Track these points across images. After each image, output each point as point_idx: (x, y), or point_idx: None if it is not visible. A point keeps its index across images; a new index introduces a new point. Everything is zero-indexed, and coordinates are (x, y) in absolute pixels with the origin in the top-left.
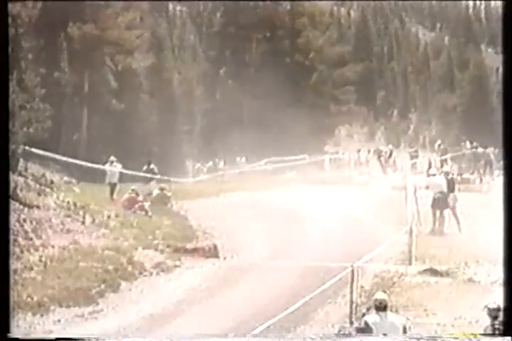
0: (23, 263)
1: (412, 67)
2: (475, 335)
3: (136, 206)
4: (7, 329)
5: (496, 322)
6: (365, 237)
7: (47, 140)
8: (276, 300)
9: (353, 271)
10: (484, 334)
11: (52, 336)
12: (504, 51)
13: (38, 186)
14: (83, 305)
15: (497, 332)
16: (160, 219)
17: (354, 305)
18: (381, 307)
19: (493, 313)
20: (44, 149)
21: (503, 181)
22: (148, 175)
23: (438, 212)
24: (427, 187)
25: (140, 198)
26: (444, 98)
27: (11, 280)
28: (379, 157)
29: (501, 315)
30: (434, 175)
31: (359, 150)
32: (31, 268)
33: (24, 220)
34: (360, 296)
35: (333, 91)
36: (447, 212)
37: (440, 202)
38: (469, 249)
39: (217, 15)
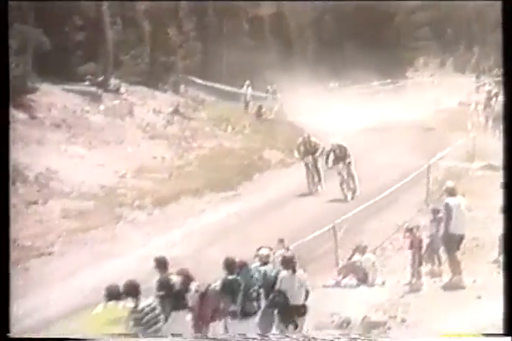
0: (185, 160)
1: (474, 12)
2: (475, 335)
3: (263, 117)
4: (7, 330)
5: None
6: (438, 141)
7: (199, 69)
8: (367, 185)
9: (429, 166)
10: (484, 334)
11: (53, 335)
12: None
13: (194, 104)
14: (227, 191)
15: None
16: (281, 127)
17: (430, 192)
18: (451, 192)
19: None
20: (197, 76)
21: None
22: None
23: None
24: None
25: (266, 112)
26: (499, 35)
27: (174, 175)
28: None
29: None
30: None
31: (432, 75)
32: (190, 164)
33: (184, 129)
34: (434, 185)
35: (413, 31)
36: None
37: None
38: None
39: None
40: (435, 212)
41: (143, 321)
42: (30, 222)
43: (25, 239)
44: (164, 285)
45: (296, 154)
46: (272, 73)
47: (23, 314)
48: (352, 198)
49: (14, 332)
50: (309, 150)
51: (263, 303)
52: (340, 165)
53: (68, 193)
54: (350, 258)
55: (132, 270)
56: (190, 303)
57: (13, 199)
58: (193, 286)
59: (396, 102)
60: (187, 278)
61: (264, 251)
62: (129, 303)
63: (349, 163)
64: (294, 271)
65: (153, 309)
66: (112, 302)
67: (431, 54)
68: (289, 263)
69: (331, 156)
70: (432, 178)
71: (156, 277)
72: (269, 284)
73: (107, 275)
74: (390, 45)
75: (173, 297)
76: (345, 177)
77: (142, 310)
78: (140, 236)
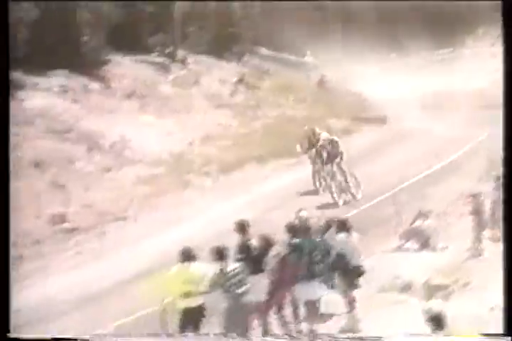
0: (249, 128)
1: None
2: (475, 335)
3: (325, 86)
4: (7, 329)
5: None
6: (498, 111)
7: (263, 39)
8: (428, 154)
9: (489, 135)
10: (484, 334)
11: (50, 335)
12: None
13: (258, 73)
14: (290, 158)
15: None
16: (342, 97)
17: (491, 161)
18: None
19: None
20: (261, 46)
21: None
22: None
23: None
24: None
25: (328, 81)
26: None
27: (239, 143)
28: None
29: None
30: None
31: (493, 44)
32: (255, 132)
33: (249, 99)
34: (495, 154)
35: (472, 2)
36: None
37: None
38: None
39: None
40: (498, 178)
41: (227, 284)
42: (106, 187)
43: (101, 204)
44: (244, 248)
45: (297, 148)
46: (333, 43)
47: (100, 276)
48: (344, 203)
49: (92, 291)
50: (314, 143)
51: (325, 266)
52: (330, 164)
53: (140, 160)
54: (412, 223)
55: (200, 234)
56: (268, 267)
57: (90, 167)
58: (272, 251)
59: (455, 72)
60: (267, 243)
61: (303, 213)
62: (213, 266)
63: (340, 161)
64: (350, 234)
65: (238, 273)
66: (186, 264)
67: (491, 23)
68: (344, 225)
69: (323, 153)
70: (493, 147)
71: (232, 241)
72: (329, 247)
73: (177, 239)
74: (450, 14)
75: (251, 261)
76: (338, 177)
77: (227, 273)
78: (206, 202)
